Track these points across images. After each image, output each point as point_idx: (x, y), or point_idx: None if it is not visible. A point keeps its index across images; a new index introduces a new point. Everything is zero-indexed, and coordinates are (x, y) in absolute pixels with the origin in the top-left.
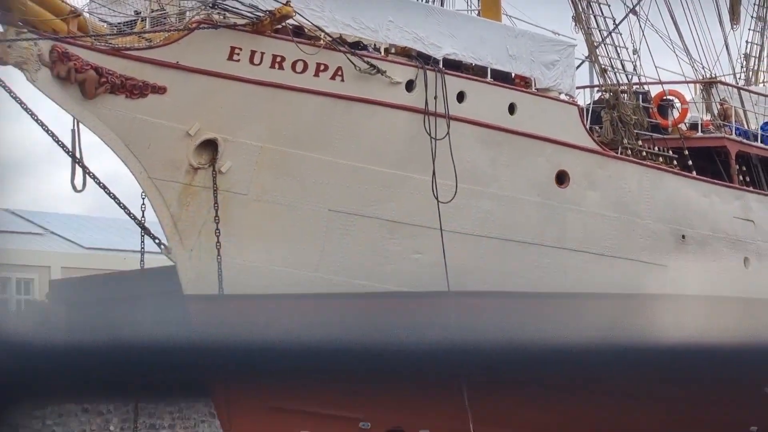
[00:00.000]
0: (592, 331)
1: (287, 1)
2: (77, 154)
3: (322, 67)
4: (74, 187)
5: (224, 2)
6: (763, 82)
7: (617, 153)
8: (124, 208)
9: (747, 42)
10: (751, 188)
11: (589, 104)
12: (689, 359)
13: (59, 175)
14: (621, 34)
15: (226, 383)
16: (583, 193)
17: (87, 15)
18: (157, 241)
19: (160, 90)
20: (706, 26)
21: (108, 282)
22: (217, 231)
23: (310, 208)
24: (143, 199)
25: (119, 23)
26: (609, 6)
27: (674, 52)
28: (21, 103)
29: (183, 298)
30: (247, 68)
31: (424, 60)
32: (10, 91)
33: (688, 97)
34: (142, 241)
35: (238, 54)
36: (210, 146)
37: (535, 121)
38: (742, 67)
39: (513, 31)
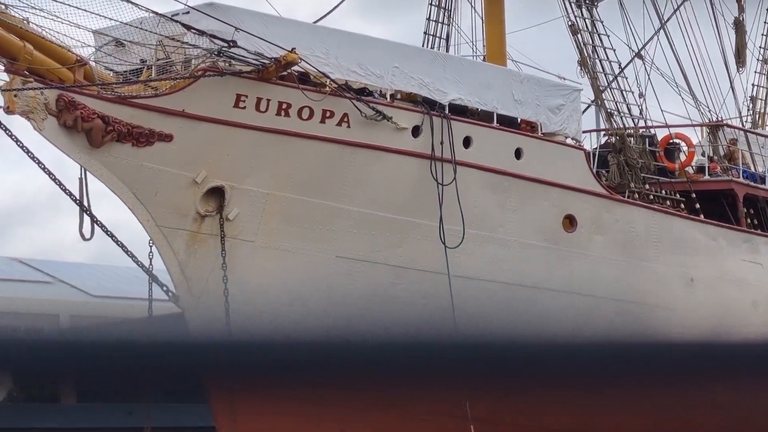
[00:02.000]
0: None
1: (292, 48)
2: (85, 203)
3: (328, 114)
4: (83, 236)
5: (229, 50)
6: None
7: (624, 197)
8: (132, 256)
9: (753, 85)
10: (759, 231)
11: (596, 148)
12: None
13: (62, 223)
14: (627, 78)
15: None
16: (591, 237)
17: (93, 64)
18: (165, 288)
19: (166, 138)
20: (711, 69)
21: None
22: (225, 278)
23: (317, 254)
24: (150, 246)
25: (125, 71)
26: (614, 50)
27: (680, 95)
28: (28, 152)
29: None
30: (253, 115)
31: (429, 105)
32: (17, 141)
33: (694, 140)
34: (150, 289)
35: (244, 101)
36: (217, 193)
37: (542, 166)
38: (748, 109)
39: (518, 76)
